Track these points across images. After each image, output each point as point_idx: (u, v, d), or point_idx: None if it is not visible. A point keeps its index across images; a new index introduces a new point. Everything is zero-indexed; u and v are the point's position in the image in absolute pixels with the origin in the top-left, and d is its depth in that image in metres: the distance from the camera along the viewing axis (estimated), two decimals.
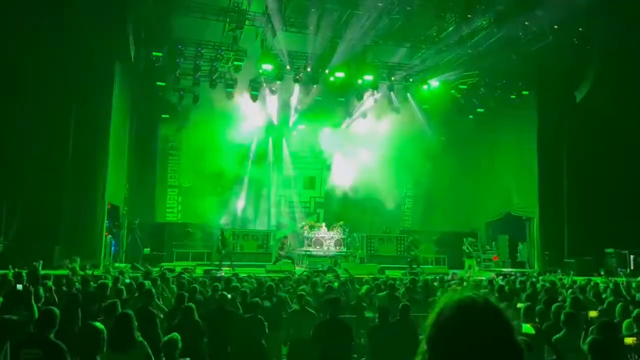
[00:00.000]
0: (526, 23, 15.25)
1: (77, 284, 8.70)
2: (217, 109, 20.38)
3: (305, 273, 13.33)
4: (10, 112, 14.05)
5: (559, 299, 8.17)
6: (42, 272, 10.36)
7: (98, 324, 4.23)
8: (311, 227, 19.83)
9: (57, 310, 4.39)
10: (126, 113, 18.21)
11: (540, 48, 16.62)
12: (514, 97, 19.66)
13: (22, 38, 13.39)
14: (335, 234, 19.42)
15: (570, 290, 9.27)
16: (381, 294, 9.10)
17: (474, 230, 21.86)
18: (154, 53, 16.71)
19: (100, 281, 8.22)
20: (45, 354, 4.05)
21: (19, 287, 6.56)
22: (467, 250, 18.38)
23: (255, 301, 6.97)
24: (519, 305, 6.79)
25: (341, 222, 20.07)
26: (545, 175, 18.67)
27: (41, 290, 6.38)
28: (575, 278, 12.45)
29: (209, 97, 19.73)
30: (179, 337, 4.60)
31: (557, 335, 5.42)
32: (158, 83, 18.65)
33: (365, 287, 9.76)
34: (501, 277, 14.12)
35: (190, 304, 6.57)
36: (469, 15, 14.97)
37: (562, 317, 5.62)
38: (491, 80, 19.46)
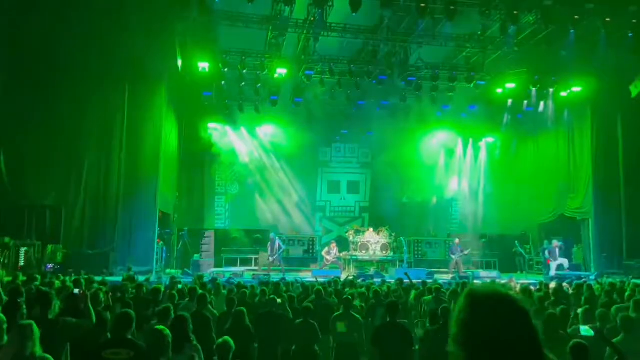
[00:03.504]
0: (576, 17, 14.70)
1: (131, 289, 8.96)
2: (262, 117, 20.74)
3: (350, 278, 13.26)
4: (65, 125, 14.71)
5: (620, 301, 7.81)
6: (98, 278, 10.76)
7: (164, 329, 4.31)
8: (357, 232, 19.74)
9: (133, 314, 4.53)
10: (175, 123, 18.74)
11: (592, 42, 16.01)
12: (564, 94, 19.00)
13: (77, 52, 13.99)
14: (381, 238, 19.25)
15: (627, 294, 8.84)
16: (427, 297, 8.96)
17: (525, 233, 21.28)
18: (199, 63, 17.12)
19: (153, 286, 8.44)
20: (136, 353, 4.15)
21: (76, 291, 6.81)
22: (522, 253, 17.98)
23: (307, 306, 6.97)
24: (578, 310, 6.54)
25: (387, 226, 19.88)
26: (600, 174, 17.90)
27: (101, 295, 6.61)
28: (636, 281, 11.87)
29: (254, 104, 20.05)
30: (232, 341, 4.66)
31: (616, 339, 5.17)
32: (204, 93, 19.06)
33: (414, 292, 9.63)
34: (555, 280, 13.65)
35: (242, 308, 6.65)
36: (515, 12, 14.55)
37: (619, 321, 5.37)
38: (540, 77, 18.86)
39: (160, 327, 4.42)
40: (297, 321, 6.91)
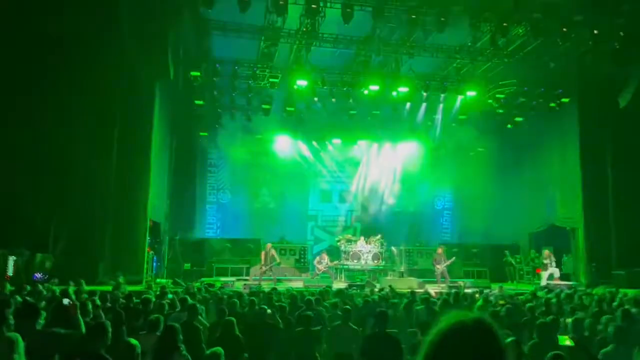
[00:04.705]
0: (564, 29, 14.92)
1: (121, 299, 8.89)
2: (254, 126, 20.79)
3: (342, 288, 13.24)
4: (55, 132, 14.62)
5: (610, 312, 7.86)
6: (88, 288, 10.66)
7: (133, 340, 4.27)
8: (348, 241, 19.72)
9: (108, 325, 4.48)
10: (166, 131, 18.70)
11: (580, 54, 16.22)
12: (553, 105, 19.19)
13: (68, 58, 13.95)
14: (373, 248, 19.24)
15: (615, 303, 8.91)
16: (419, 307, 8.97)
17: (515, 243, 21.38)
18: (192, 72, 17.15)
19: (143, 296, 8.38)
20: None
21: (65, 301, 6.74)
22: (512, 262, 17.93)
23: (307, 314, 6.96)
24: (568, 319, 6.57)
25: (379, 236, 19.89)
26: (590, 184, 18.04)
27: (89, 306, 6.55)
28: (625, 290, 11.94)
29: (245, 113, 20.08)
30: (222, 351, 4.64)
31: (605, 350, 5.19)
32: (196, 101, 19.06)
33: (404, 301, 9.64)
34: (545, 290, 13.72)
35: (231, 318, 6.62)
36: (504, 24, 14.74)
37: (610, 330, 5.40)
38: (530, 88, 19.07)
39: (130, 339, 4.38)
40: (297, 329, 6.89)
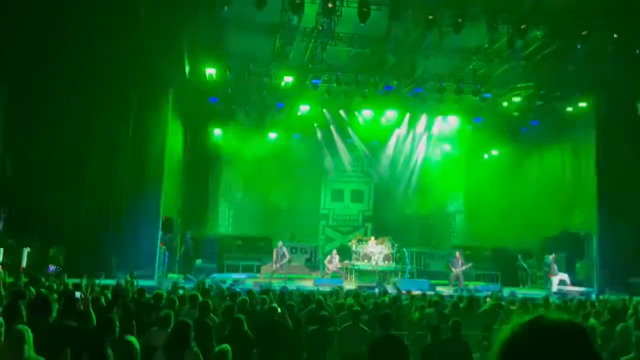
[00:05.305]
0: (583, 33, 14.73)
1: (132, 294, 8.96)
2: (267, 124, 20.81)
3: (354, 289, 13.21)
4: (72, 127, 14.80)
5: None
6: (102, 281, 10.76)
7: (133, 339, 4.27)
8: (359, 241, 19.68)
9: (115, 319, 4.50)
10: (180, 128, 18.81)
11: (599, 58, 16.00)
12: (570, 109, 18.96)
13: (84, 55, 14.08)
14: (384, 249, 19.16)
15: (630, 311, 8.76)
16: (429, 310, 8.91)
17: (528, 247, 21.16)
18: (207, 69, 17.20)
19: (155, 291, 8.43)
20: None
21: (77, 294, 6.80)
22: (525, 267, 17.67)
23: (323, 314, 6.95)
24: None
25: (389, 237, 19.81)
26: (605, 190, 17.80)
27: (102, 300, 6.60)
28: (638, 298, 11.76)
29: (259, 111, 20.12)
30: (230, 349, 4.65)
31: (626, 357, 5.11)
32: (211, 98, 19.13)
33: (415, 304, 9.59)
34: (558, 295, 13.58)
35: (240, 315, 6.63)
36: (522, 26, 14.58)
37: (633, 339, 5.30)
38: (546, 92, 18.86)
39: (130, 337, 4.38)
40: (311, 328, 6.88)
